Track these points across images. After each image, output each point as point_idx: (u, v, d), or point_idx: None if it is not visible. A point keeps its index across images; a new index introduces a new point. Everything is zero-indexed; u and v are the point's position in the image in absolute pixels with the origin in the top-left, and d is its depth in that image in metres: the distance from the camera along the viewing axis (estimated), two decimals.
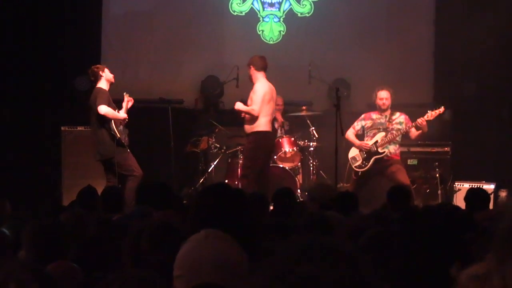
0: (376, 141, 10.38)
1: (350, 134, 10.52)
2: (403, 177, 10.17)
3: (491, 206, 10.65)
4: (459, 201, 9.34)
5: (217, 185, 3.62)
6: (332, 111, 10.24)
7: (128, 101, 9.95)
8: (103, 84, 9.71)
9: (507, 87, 12.16)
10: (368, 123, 10.51)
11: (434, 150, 11.41)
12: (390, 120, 10.42)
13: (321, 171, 11.50)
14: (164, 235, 3.11)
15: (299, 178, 11.25)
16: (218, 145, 11.53)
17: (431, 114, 10.09)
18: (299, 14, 13.00)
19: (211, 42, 12.75)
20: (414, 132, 10.29)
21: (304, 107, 11.78)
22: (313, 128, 11.45)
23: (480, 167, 11.51)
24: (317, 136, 11.45)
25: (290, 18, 12.99)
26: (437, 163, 11.08)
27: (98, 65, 9.88)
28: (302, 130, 11.78)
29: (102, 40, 12.59)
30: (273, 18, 12.98)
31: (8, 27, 11.92)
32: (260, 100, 10.06)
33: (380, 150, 10.36)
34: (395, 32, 12.94)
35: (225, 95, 12.47)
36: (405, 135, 10.39)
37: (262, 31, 12.96)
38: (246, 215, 3.16)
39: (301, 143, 11.44)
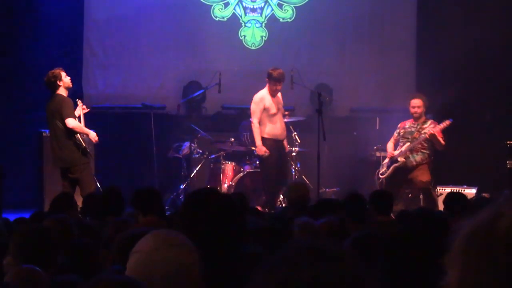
0: (401, 151, 10.42)
1: (389, 144, 10.66)
2: (423, 177, 10.27)
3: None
4: (441, 205, 9.39)
5: (205, 190, 3.61)
6: (314, 116, 10.27)
7: (83, 109, 9.78)
8: (62, 91, 9.53)
9: (489, 91, 12.23)
10: (401, 131, 10.54)
11: None
12: (419, 130, 10.39)
13: (303, 176, 11.51)
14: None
15: None
16: (200, 151, 11.52)
17: (439, 128, 10.17)
18: (281, 19, 13.02)
19: (193, 47, 12.75)
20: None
21: (286, 112, 11.77)
22: (296, 133, 11.46)
23: (462, 171, 11.56)
24: (299, 141, 11.46)
25: (272, 23, 13.01)
26: None
27: (54, 73, 9.49)
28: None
29: (84, 45, 12.56)
30: (255, 23, 12.99)
31: None
32: (253, 110, 10.30)
33: (399, 159, 10.38)
34: (376, 37, 12.99)
35: (207, 100, 12.46)
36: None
37: (244, 36, 12.97)
38: (234, 219, 3.15)
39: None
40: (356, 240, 3.73)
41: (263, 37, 12.99)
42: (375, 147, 11.66)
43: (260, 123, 10.31)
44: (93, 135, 9.60)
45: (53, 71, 9.53)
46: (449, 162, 11.62)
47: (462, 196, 7.27)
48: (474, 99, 12.24)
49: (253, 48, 12.96)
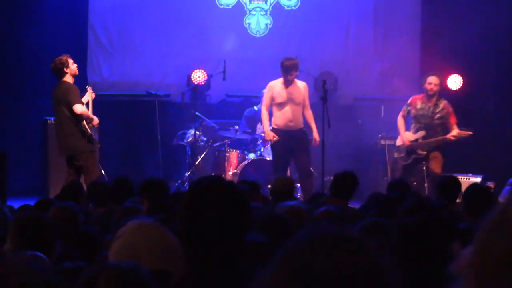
0: (417, 139, 10.35)
1: (399, 120, 10.51)
2: (435, 165, 10.24)
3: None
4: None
5: (209, 178, 3.60)
6: (319, 104, 10.25)
7: (91, 96, 9.81)
8: (69, 78, 9.53)
9: (494, 79, 12.20)
10: (412, 111, 10.38)
11: None
12: (432, 115, 10.29)
13: None
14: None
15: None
16: (205, 138, 11.52)
17: (460, 135, 10.14)
18: (285, 7, 12.99)
19: (198, 35, 12.72)
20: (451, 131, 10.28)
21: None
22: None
23: (467, 160, 11.55)
24: (304, 129, 11.44)
25: (276, 11, 12.97)
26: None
27: (61, 59, 9.48)
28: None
29: (89, 33, 12.54)
30: (259, 11, 12.96)
31: None
32: (263, 97, 10.32)
33: (419, 151, 10.34)
34: (381, 25, 12.95)
35: (212, 88, 12.45)
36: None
37: (249, 24, 12.94)
38: (239, 208, 3.14)
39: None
40: (364, 227, 3.73)
41: (268, 25, 12.96)
42: (379, 135, 11.66)
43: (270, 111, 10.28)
44: (96, 120, 9.61)
45: (60, 57, 9.52)
46: (454, 150, 11.60)
47: (456, 181, 7.17)
48: (479, 86, 12.20)
49: (258, 36, 12.93)
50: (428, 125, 10.28)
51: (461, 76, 11.92)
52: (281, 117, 10.17)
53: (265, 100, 10.28)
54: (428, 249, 3.01)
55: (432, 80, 10.22)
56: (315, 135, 10.32)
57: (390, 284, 1.41)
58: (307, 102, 10.33)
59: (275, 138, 10.14)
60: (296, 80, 10.19)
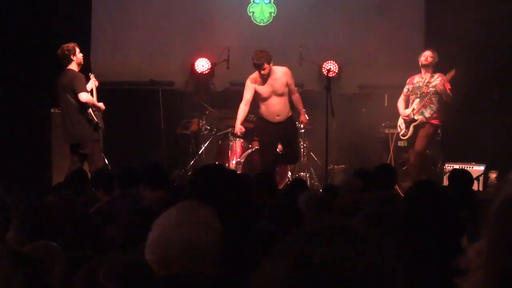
0: (413, 109, 10.43)
1: (400, 101, 10.67)
2: (419, 144, 10.33)
3: (481, 187, 10.74)
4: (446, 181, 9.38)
5: (211, 166, 3.61)
6: (323, 93, 10.23)
7: (95, 83, 9.84)
8: (74, 66, 9.54)
9: (498, 69, 12.16)
10: (410, 87, 10.58)
11: None
12: (427, 84, 10.41)
13: (311, 153, 11.51)
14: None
15: None
16: (208, 127, 11.53)
17: (446, 78, 10.20)
18: None
19: (201, 23, 12.70)
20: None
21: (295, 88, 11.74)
22: (304, 110, 11.44)
23: (470, 149, 11.54)
24: (308, 117, 11.44)
25: None
26: None
27: (68, 47, 9.53)
28: (293, 112, 11.76)
29: (92, 21, 12.53)
30: (263, 0, 12.92)
31: None
32: (244, 94, 10.13)
33: (415, 117, 10.41)
34: (385, 13, 12.90)
35: (216, 76, 12.44)
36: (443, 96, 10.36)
37: (253, 12, 12.91)
38: (241, 194, 3.15)
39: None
40: (368, 216, 3.73)
41: (272, 13, 12.93)
42: (383, 124, 11.65)
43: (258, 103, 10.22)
44: (102, 106, 9.64)
45: (67, 44, 9.54)
46: (457, 139, 11.60)
47: (466, 173, 7.21)
48: (483, 76, 12.17)
49: (262, 24, 12.91)
50: (422, 94, 10.38)
51: (464, 65, 11.90)
52: (267, 110, 10.13)
53: (246, 95, 10.10)
54: (433, 241, 3.00)
55: (427, 54, 10.43)
56: (302, 117, 10.42)
57: (390, 275, 1.41)
58: (293, 87, 10.25)
59: (242, 130, 10.14)
60: (274, 68, 10.04)
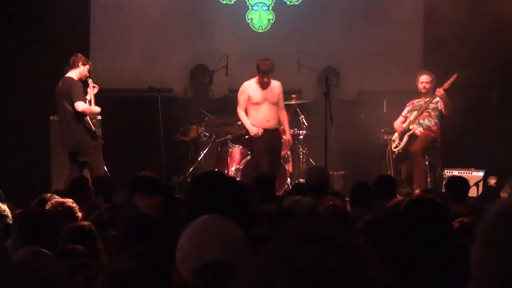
0: (410, 120, 10.51)
1: (397, 121, 10.75)
2: (416, 146, 10.35)
3: (479, 192, 10.73)
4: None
5: (210, 173, 3.62)
6: (322, 99, 10.23)
7: (93, 88, 9.86)
8: (75, 74, 9.55)
9: (497, 72, 12.14)
10: (409, 108, 10.68)
11: None
12: (428, 101, 10.53)
13: (311, 159, 11.51)
14: None
15: (288, 166, 11.25)
16: (207, 134, 11.52)
17: (447, 83, 10.23)
18: (288, 2, 12.97)
19: (200, 30, 12.72)
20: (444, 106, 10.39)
21: (293, 96, 11.75)
22: (303, 116, 11.45)
23: (469, 154, 11.53)
24: (306, 124, 11.45)
25: (279, 6, 12.96)
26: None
27: (83, 57, 9.65)
28: (292, 119, 11.77)
29: (91, 28, 12.55)
30: (262, 7, 12.94)
31: None
32: (238, 100, 10.23)
33: (410, 126, 10.45)
34: (384, 19, 12.90)
35: (215, 83, 12.45)
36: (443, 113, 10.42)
37: (251, 19, 12.93)
38: (240, 201, 3.15)
39: (291, 131, 11.42)
40: (368, 223, 3.72)
41: (270, 20, 12.94)
42: (382, 130, 11.65)
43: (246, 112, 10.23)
44: (97, 110, 9.65)
45: (83, 56, 9.62)
46: (456, 145, 11.60)
47: (463, 180, 7.23)
48: (482, 80, 12.15)
49: (260, 31, 12.92)
50: (421, 107, 10.46)
51: (464, 69, 11.91)
52: (258, 116, 10.16)
53: (240, 102, 10.19)
54: (425, 248, 3.00)
55: (423, 79, 10.50)
56: (287, 136, 10.50)
57: (376, 281, 1.40)
58: (282, 103, 10.41)
59: (259, 130, 10.12)
60: (270, 79, 10.20)
